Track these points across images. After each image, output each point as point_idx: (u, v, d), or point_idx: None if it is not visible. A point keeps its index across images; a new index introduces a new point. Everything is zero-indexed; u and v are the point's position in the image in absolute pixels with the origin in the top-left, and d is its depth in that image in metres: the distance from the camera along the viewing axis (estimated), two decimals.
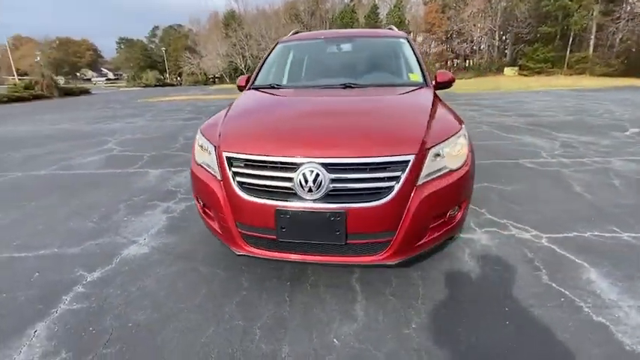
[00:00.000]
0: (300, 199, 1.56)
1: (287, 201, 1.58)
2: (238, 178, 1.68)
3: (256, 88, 2.73)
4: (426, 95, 2.27)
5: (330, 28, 46.96)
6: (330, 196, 1.55)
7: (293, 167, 1.58)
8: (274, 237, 1.64)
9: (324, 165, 1.55)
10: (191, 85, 45.53)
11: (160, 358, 1.52)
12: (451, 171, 1.72)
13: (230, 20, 52.48)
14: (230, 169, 1.69)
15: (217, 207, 1.75)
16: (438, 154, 1.68)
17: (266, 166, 1.62)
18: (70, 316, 1.79)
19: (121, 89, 36.34)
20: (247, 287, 1.98)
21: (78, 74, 71.72)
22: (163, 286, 2.02)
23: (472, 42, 43.52)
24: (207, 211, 1.95)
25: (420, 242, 1.70)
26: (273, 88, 2.65)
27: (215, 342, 1.59)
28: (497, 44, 42.13)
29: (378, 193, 1.56)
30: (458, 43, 44.06)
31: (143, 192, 3.65)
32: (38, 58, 59.63)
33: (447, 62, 50.01)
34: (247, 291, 1.95)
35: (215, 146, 1.79)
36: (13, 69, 28.52)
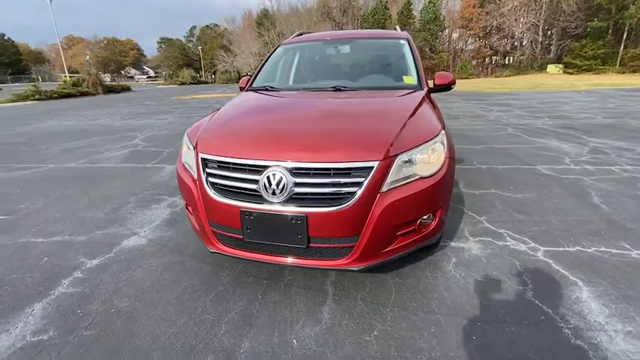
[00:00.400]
0: (265, 201, 1.60)
1: (252, 203, 1.63)
2: (211, 179, 1.75)
3: (253, 90, 2.80)
4: (414, 99, 2.22)
5: (361, 26, 46.42)
6: (294, 199, 1.58)
7: (259, 170, 1.62)
8: (241, 237, 1.70)
9: (288, 169, 1.58)
10: (224, 83, 47.01)
11: (131, 344, 1.63)
12: (422, 178, 1.68)
13: (263, 19, 53.48)
14: (204, 170, 1.77)
15: (194, 205, 1.84)
16: (407, 161, 1.65)
17: (235, 168, 1.68)
18: (63, 298, 1.96)
19: (159, 87, 38.29)
20: (225, 283, 2.06)
21: (122, 72, 76.60)
22: (150, 276, 2.16)
23: (513, 38, 41.16)
24: (188, 208, 2.05)
25: (388, 249, 1.68)
26: (267, 90, 2.71)
27: (183, 333, 1.68)
28: (540, 40, 39.52)
29: (339, 198, 1.56)
30: (497, 39, 41.85)
31: (155, 186, 3.87)
32: (88, 57, 64.41)
33: (484, 59, 47.71)
34: (224, 286, 2.03)
35: (194, 147, 1.88)
36: (65, 67, 30.97)
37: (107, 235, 2.74)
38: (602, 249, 2.33)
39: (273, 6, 57.37)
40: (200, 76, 53.18)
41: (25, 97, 17.82)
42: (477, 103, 11.81)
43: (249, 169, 1.65)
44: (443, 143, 1.82)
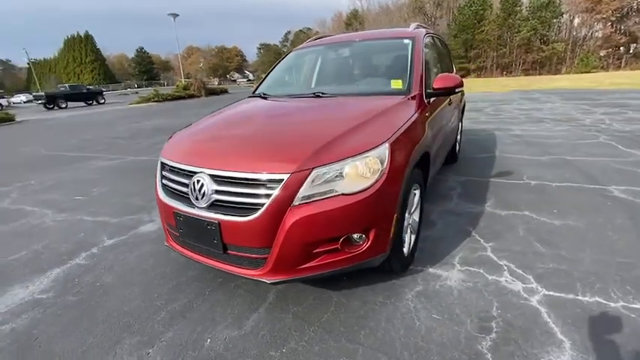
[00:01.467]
0: (192, 205, 1.71)
1: (185, 205, 1.75)
2: (163, 181, 1.95)
3: (252, 96, 2.94)
4: (381, 106, 2.04)
5: (457, 19, 42.79)
6: (214, 206, 1.65)
7: (190, 175, 1.74)
8: (178, 235, 1.85)
9: (210, 175, 1.66)
10: None
11: (94, 312, 1.94)
12: (344, 195, 1.55)
13: (352, 19, 53.99)
14: (161, 173, 1.98)
15: (157, 203, 2.07)
16: (326, 175, 1.54)
17: (175, 172, 1.84)
18: (74, 268, 2.43)
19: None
20: (189, 276, 2.25)
21: (227, 76, 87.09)
22: (139, 260, 2.50)
23: None
24: None
25: (307, 265, 1.61)
26: (260, 96, 2.81)
27: (130, 313, 1.92)
28: None
29: (249, 208, 1.56)
30: (635, 22, 33.66)
31: None
32: (201, 64, 75.41)
33: (616, 49, 38.91)
34: (186, 278, 2.22)
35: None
36: (182, 73, 36.85)
37: (133, 220, 3.24)
38: (635, 306, 1.75)
39: (363, 6, 57.41)
40: None
41: (148, 100, 21.83)
42: (578, 103, 9.78)
43: (183, 174, 1.78)
44: (380, 158, 1.64)
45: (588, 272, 2.05)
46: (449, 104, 3.13)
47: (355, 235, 1.64)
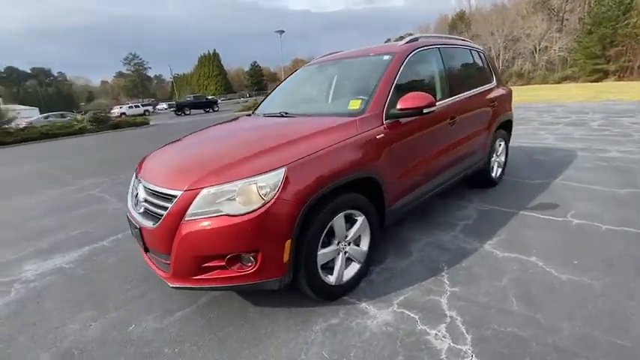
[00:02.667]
0: (135, 210, 2.04)
1: (132, 210, 2.09)
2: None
3: (247, 115, 3.20)
4: (315, 128, 2.05)
5: (592, 11, 35.36)
6: (145, 212, 1.94)
7: (138, 184, 2.07)
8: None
9: (144, 187, 1.95)
10: None
11: (84, 286, 2.46)
12: (228, 215, 1.63)
13: (457, 22, 50.27)
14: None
15: None
16: (214, 195, 1.65)
17: (135, 181, 2.20)
18: (98, 248, 3.10)
19: None
20: None
21: None
22: (134, 250, 3.00)
23: None
24: None
25: (200, 277, 1.73)
26: (248, 115, 3.04)
27: (104, 291, 2.37)
28: None
29: (157, 218, 1.78)
30: None
31: None
32: None
33: None
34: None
35: None
36: None
37: None
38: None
39: (471, 6, 52.74)
40: None
41: (248, 108, 24.87)
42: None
43: (135, 183, 2.13)
44: (271, 183, 1.64)
45: (556, 349, 1.59)
46: (451, 124, 2.77)
47: (245, 256, 1.69)
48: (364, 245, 2.19)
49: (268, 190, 1.66)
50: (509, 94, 3.94)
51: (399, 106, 2.21)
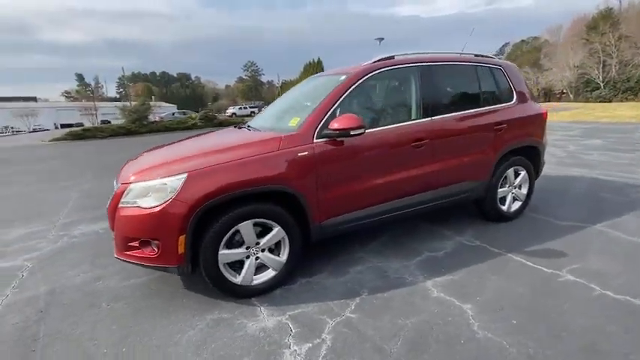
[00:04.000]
0: None
1: None
2: None
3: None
4: (245, 140, 2.37)
5: None
6: None
7: None
8: None
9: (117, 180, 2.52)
10: None
11: (88, 250, 3.24)
12: (139, 207, 2.01)
13: (599, 22, 41.62)
14: None
15: None
16: (135, 190, 2.06)
17: None
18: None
19: None
20: None
21: None
22: None
23: None
24: None
25: (127, 253, 2.17)
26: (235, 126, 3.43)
27: (107, 252, 3.08)
28: None
29: None
30: None
31: None
32: None
33: None
34: None
35: None
36: None
37: None
38: None
39: (622, 3, 42.80)
40: None
41: None
42: None
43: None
44: (171, 185, 1.96)
45: None
46: (416, 147, 2.60)
47: (152, 242, 2.06)
48: (283, 255, 2.32)
49: (170, 191, 1.99)
50: (539, 116, 3.35)
51: (330, 127, 2.26)
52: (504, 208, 3.29)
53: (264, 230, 2.24)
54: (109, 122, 27.10)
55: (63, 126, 34.88)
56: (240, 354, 1.77)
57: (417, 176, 2.69)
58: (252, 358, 1.74)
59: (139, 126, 17.99)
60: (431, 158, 2.71)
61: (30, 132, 35.02)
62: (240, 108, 39.44)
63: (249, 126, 2.96)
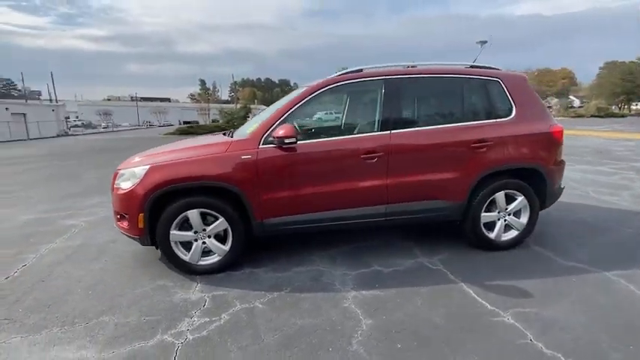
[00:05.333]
0: None
1: None
2: None
3: None
4: (212, 142, 2.83)
5: None
6: None
7: None
8: None
9: None
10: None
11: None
12: (120, 188, 2.63)
13: None
14: None
15: None
16: (121, 175, 2.69)
17: None
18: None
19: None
20: None
21: (545, 101, 75.08)
22: None
23: None
24: None
25: (118, 223, 2.81)
26: None
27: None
28: None
29: None
30: None
31: None
32: None
33: None
34: None
35: None
36: None
37: None
38: None
39: None
40: (622, 108, 41.34)
41: None
42: None
43: None
44: (137, 174, 2.50)
45: None
46: (367, 159, 2.61)
47: (125, 216, 2.64)
48: (227, 244, 2.66)
49: (137, 178, 2.54)
50: (544, 135, 2.89)
51: (273, 135, 2.51)
52: (492, 235, 2.94)
53: (215, 220, 2.62)
54: (218, 121, 31.61)
55: (184, 123, 42.27)
56: (156, 313, 2.18)
57: (368, 189, 2.69)
58: (161, 318, 2.13)
59: (231, 125, 20.73)
60: (385, 172, 2.68)
61: (159, 126, 43.48)
62: (326, 113, 41.16)
63: (230, 132, 3.40)
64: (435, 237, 3.31)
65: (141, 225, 2.57)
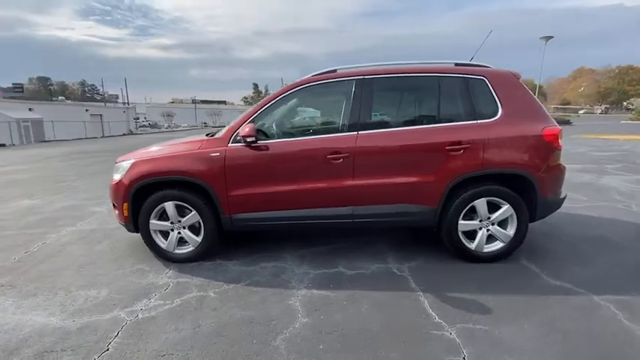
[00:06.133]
0: None
1: None
2: None
3: None
4: (192, 139, 2.98)
5: None
6: None
7: None
8: None
9: None
10: None
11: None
12: (113, 179, 2.94)
13: None
14: None
15: None
16: (116, 167, 3.01)
17: None
18: None
19: (622, 122, 30.18)
20: None
21: (625, 103, 65.58)
22: None
23: None
24: None
25: (115, 212, 3.18)
26: None
27: None
28: None
29: None
30: None
31: None
32: (582, 89, 61.85)
33: None
34: None
35: None
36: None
37: None
38: None
39: None
40: None
41: None
42: None
43: None
44: (124, 167, 2.79)
45: None
46: (334, 160, 2.60)
47: (116, 205, 2.96)
48: (199, 236, 2.85)
49: (124, 170, 2.83)
50: (534, 138, 2.60)
51: (240, 133, 2.63)
52: (472, 246, 2.73)
53: (189, 212, 2.83)
54: None
55: None
56: (124, 292, 2.43)
57: (334, 189, 2.68)
58: (125, 297, 2.37)
59: None
60: (351, 173, 2.65)
61: (213, 127, 46.75)
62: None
63: (213, 133, 3.60)
64: (417, 244, 3.17)
65: (125, 213, 2.86)
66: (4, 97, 36.14)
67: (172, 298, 2.35)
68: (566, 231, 3.46)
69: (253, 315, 2.14)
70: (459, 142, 2.59)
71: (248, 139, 2.54)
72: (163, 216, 2.86)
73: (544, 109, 2.79)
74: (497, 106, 2.67)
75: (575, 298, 2.26)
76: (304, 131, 2.92)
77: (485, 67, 2.82)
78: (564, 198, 2.88)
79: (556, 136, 2.65)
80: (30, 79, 75.32)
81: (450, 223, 2.70)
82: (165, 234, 2.90)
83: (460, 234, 2.72)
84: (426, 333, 1.94)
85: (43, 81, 74.92)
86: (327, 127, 2.84)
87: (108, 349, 1.84)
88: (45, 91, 63.73)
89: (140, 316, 2.15)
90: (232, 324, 2.05)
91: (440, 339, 1.88)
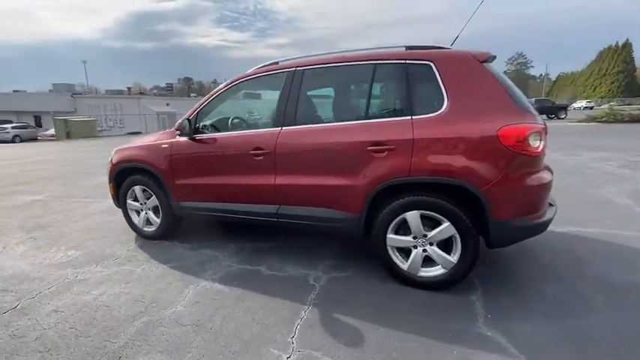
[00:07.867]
0: None
1: None
2: None
3: None
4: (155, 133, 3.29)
5: None
6: None
7: None
8: None
9: None
10: None
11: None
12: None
13: None
14: None
15: None
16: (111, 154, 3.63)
17: None
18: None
19: None
20: None
21: None
22: None
23: None
24: None
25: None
26: None
27: None
28: None
29: None
30: None
31: None
32: None
33: None
34: None
35: None
36: None
37: None
38: None
39: None
40: None
41: (594, 119, 18.94)
42: None
43: None
44: (111, 155, 3.32)
45: None
46: (256, 156, 2.53)
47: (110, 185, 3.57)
48: (159, 218, 3.21)
49: (111, 156, 3.39)
50: (486, 140, 1.94)
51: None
52: (404, 265, 2.28)
53: (151, 197, 3.21)
54: None
55: None
56: (98, 257, 2.95)
57: (258, 186, 2.61)
58: (85, 260, 2.89)
59: None
60: (273, 170, 2.53)
61: None
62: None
63: None
64: (366, 257, 2.80)
65: (112, 192, 3.45)
66: (155, 95, 46.13)
67: (111, 268, 2.75)
68: (566, 261, 2.50)
69: (146, 295, 2.33)
70: (382, 143, 2.17)
71: (178, 133, 2.72)
72: (136, 198, 3.33)
73: (519, 101, 2.06)
74: (442, 98, 2.12)
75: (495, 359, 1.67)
76: (238, 126, 2.93)
77: (441, 48, 2.26)
78: (546, 222, 2.10)
79: (520, 139, 1.93)
80: (178, 80, 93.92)
81: (377, 234, 2.31)
82: (138, 213, 3.37)
83: (390, 249, 2.31)
84: (263, 353, 1.77)
85: (187, 81, 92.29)
86: (258, 123, 2.77)
87: (34, 298, 2.32)
88: (188, 89, 78.49)
89: (78, 277, 2.61)
90: (122, 297, 2.29)
91: (268, 354, 1.70)
